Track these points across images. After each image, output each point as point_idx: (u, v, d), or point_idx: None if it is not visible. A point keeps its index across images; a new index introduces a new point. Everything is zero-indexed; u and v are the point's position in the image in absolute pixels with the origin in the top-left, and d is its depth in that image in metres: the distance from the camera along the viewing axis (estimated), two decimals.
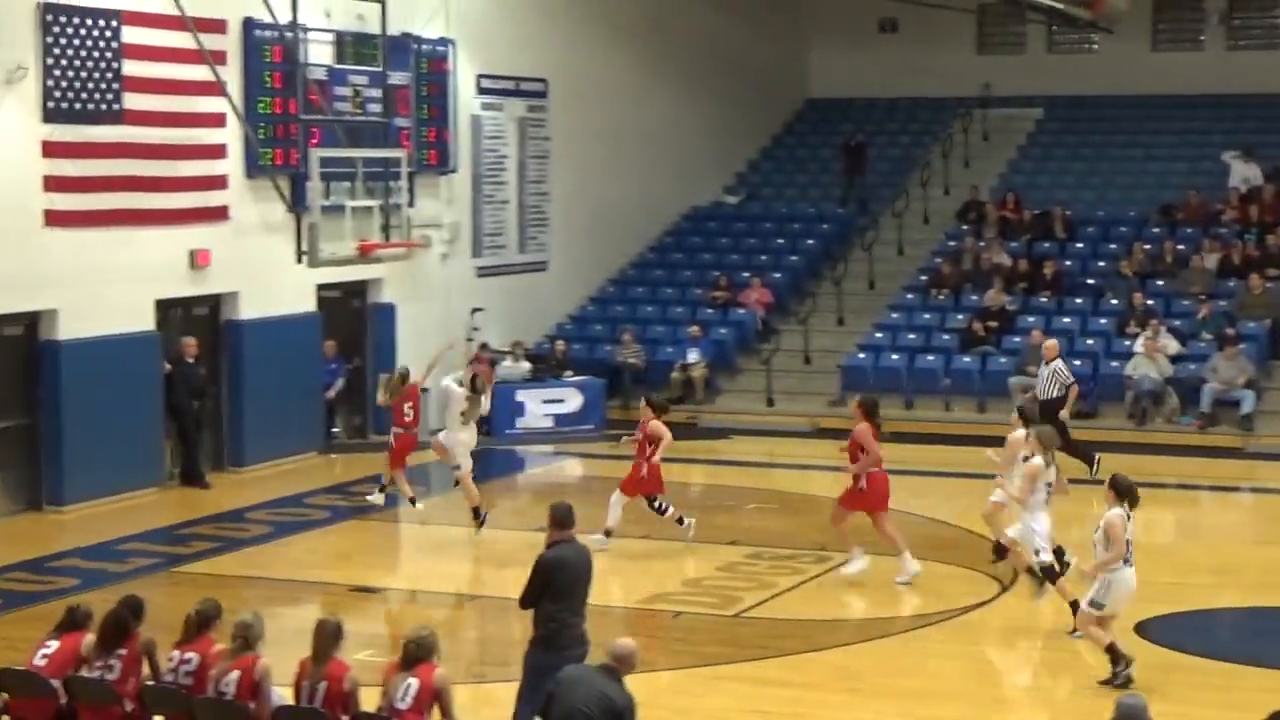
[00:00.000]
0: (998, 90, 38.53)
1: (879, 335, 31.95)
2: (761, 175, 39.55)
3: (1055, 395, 24.93)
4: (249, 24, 25.73)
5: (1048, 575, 16.81)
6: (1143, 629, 16.75)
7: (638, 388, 29.40)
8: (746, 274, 34.29)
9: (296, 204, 25.30)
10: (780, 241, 36.24)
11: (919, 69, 39.44)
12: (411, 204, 26.80)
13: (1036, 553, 16.78)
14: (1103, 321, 31.39)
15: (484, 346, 30.11)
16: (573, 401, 30.08)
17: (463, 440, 21.20)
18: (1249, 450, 27.77)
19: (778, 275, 34.75)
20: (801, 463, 26.42)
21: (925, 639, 16.80)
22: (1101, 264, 33.47)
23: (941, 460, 26.73)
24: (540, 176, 32.67)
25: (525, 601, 12.48)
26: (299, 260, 24.09)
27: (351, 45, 27.35)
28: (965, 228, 35.15)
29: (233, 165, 25.58)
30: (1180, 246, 32.95)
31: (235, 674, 11.75)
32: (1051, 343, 26.31)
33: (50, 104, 22.64)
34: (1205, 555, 21.05)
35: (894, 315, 32.77)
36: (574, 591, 12.48)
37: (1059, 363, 25.29)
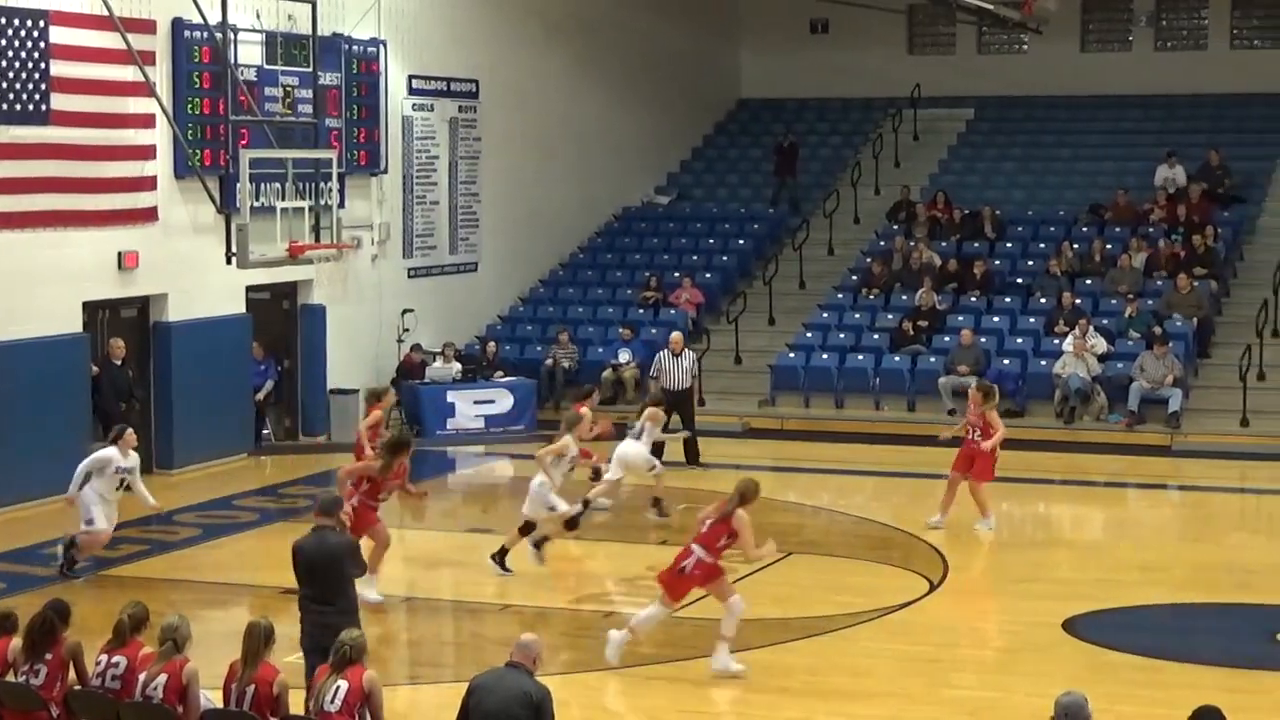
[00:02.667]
0: (928, 91, 38.69)
1: (809, 335, 32.02)
2: (693, 175, 39.61)
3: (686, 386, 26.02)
4: (178, 25, 25.58)
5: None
6: (1070, 626, 16.86)
7: (569, 388, 29.36)
8: (677, 274, 34.32)
9: (226, 205, 25.15)
10: (711, 241, 36.29)
11: (850, 70, 39.60)
12: (342, 205, 26.71)
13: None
14: (1031, 320, 31.57)
15: (415, 348, 30.06)
16: (503, 402, 30.01)
17: None
18: (1176, 448, 27.97)
19: (708, 275, 34.81)
20: (733, 463, 26.42)
21: (856, 637, 16.85)
22: (1030, 263, 33.66)
23: (872, 459, 26.85)
24: (471, 177, 32.61)
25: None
26: (228, 261, 23.92)
27: (282, 46, 27.23)
28: (895, 227, 35.31)
29: (162, 166, 25.43)
30: (1108, 246, 33.17)
31: (163, 677, 11.68)
32: (676, 335, 26.74)
33: None
34: (1133, 552, 21.17)
35: (824, 315, 32.86)
36: (308, 579, 13.53)
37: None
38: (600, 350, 32.00)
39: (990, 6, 32.54)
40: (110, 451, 19.10)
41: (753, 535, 15.56)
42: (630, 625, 15.77)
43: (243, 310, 27.21)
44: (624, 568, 19.99)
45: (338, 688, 11.33)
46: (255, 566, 19.95)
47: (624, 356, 31.32)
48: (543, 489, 19.11)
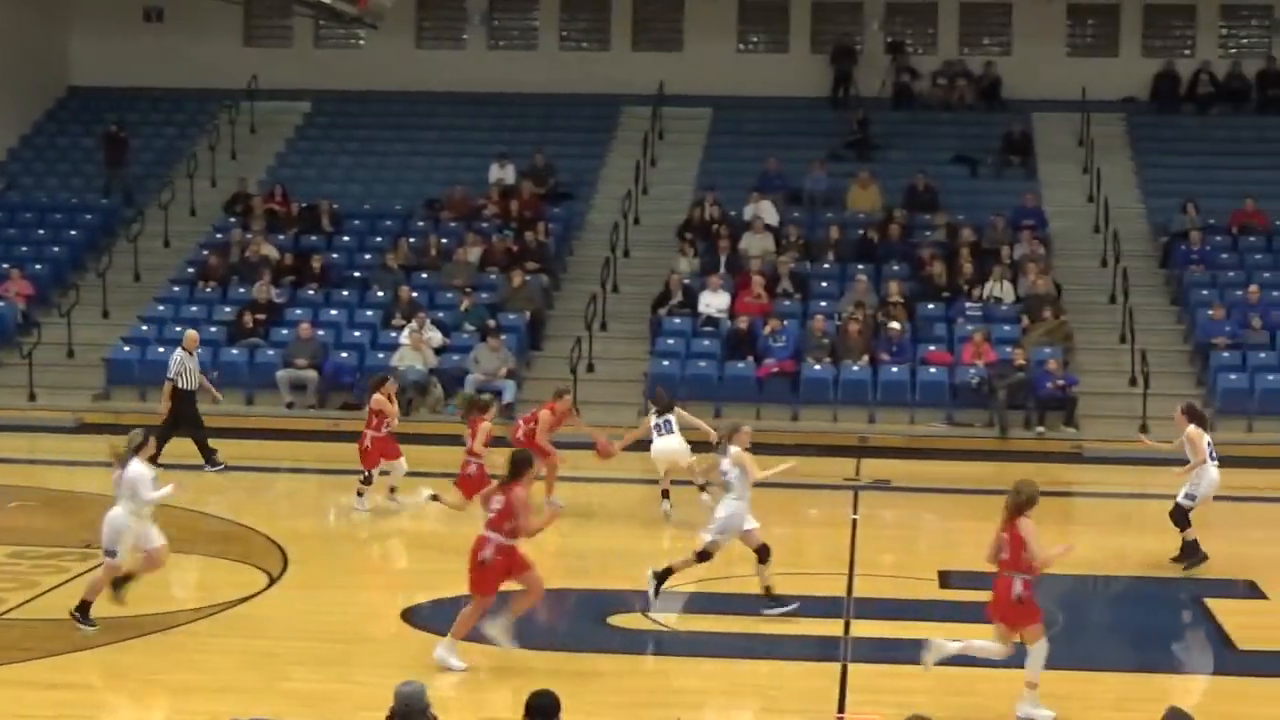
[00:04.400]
0: (265, 83, 38.49)
1: (145, 328, 31.43)
2: (21, 164, 38.26)
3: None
4: None
5: None
6: (409, 615, 17.05)
7: None
8: (6, 265, 33.12)
9: None
10: (41, 232, 35.19)
11: (185, 59, 39.02)
12: None
13: None
14: (369, 314, 31.84)
15: None
16: None
17: None
18: (511, 438, 28.61)
19: (39, 267, 33.75)
20: (66, 459, 25.68)
21: (195, 633, 16.60)
22: (368, 257, 33.94)
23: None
24: None
25: None
26: None
27: None
28: (233, 220, 35.01)
29: None
30: (444, 240, 33.76)
31: None
32: (192, 333, 26.43)
33: None
34: (470, 542, 21.48)
35: (160, 308, 32.31)
36: None
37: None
38: None
39: (326, 0, 32.60)
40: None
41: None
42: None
43: None
44: None
45: None
46: None
47: None
48: None
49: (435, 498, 21.24)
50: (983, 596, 18.55)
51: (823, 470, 25.98)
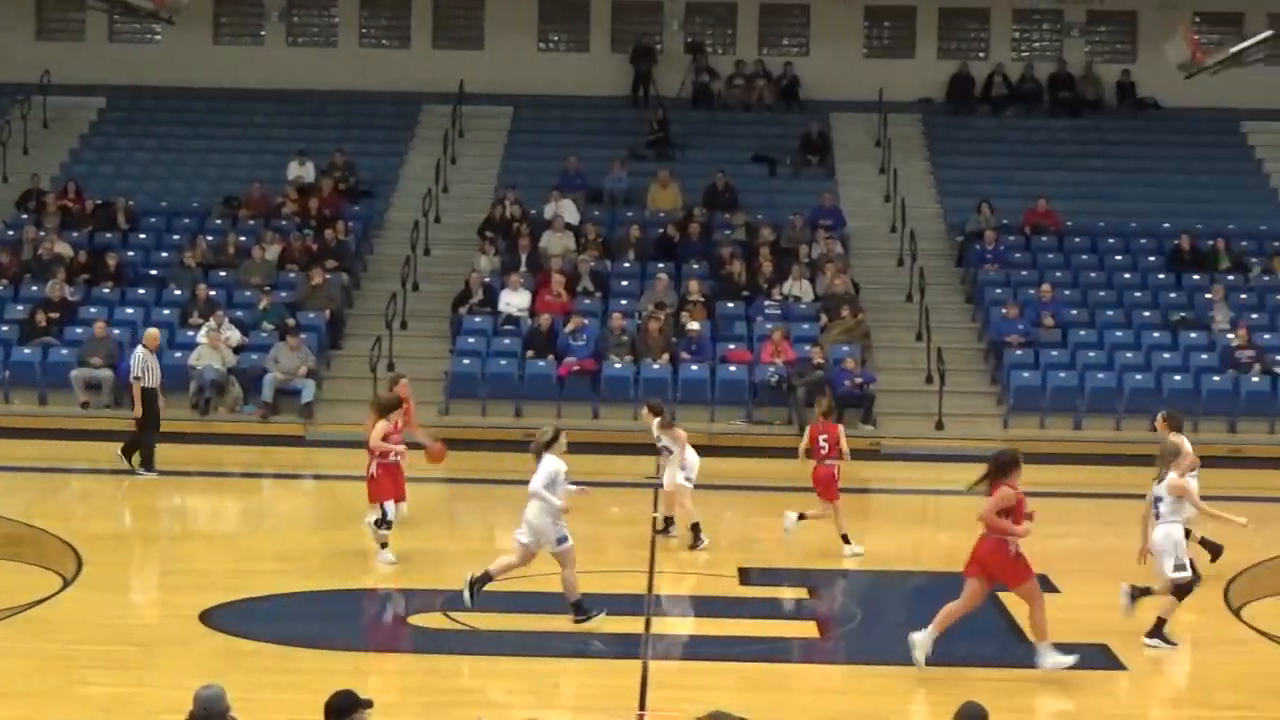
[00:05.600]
0: (58, 78, 37.78)
1: None
2: None
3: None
4: None
5: None
6: (208, 617, 16.87)
7: None
8: None
9: None
10: None
11: None
12: None
13: None
14: (166, 312, 31.43)
15: None
16: None
17: None
18: (310, 438, 28.50)
19: None
20: None
21: None
22: (165, 255, 33.52)
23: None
24: None
25: None
26: None
27: None
28: (25, 217, 34.37)
29: None
30: (242, 238, 33.42)
31: None
32: (153, 331, 26.12)
33: None
34: (268, 542, 21.41)
35: None
36: None
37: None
38: None
39: None
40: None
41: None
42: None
43: None
44: None
45: None
46: None
47: None
48: None
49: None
50: (782, 593, 18.77)
51: (624, 469, 26.10)
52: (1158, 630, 16.54)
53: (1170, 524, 16.63)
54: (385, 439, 19.17)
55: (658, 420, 20.67)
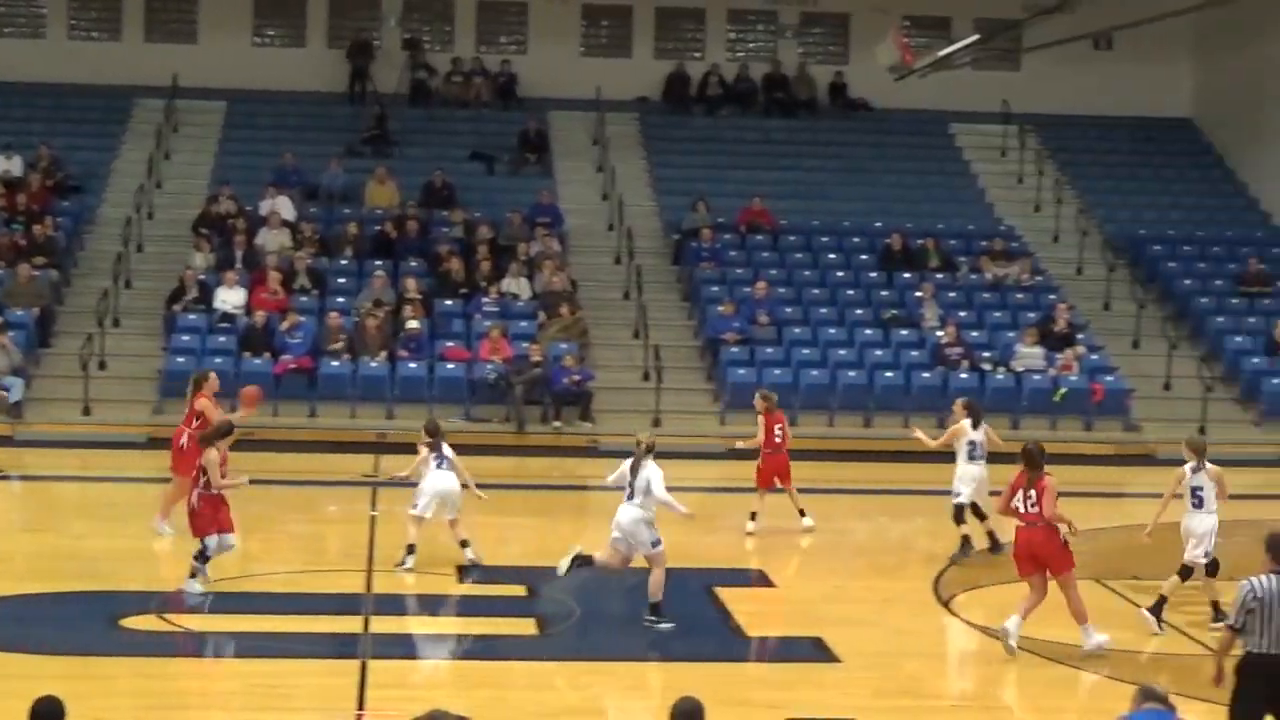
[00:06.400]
0: None
1: None
2: None
3: None
4: None
5: None
6: None
7: None
8: None
9: None
10: None
11: None
12: None
13: None
14: None
15: None
16: None
17: None
18: (19, 438, 27.81)
19: None
20: None
21: None
22: None
23: None
24: None
25: None
26: None
27: None
28: None
29: None
30: None
31: None
32: None
33: None
34: None
35: None
36: None
37: None
38: None
39: None
40: None
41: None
42: None
43: None
44: None
45: None
46: None
47: None
48: None
49: None
50: (500, 590, 18.79)
51: (341, 466, 25.92)
52: (1157, 607, 17.42)
53: (1211, 514, 17.31)
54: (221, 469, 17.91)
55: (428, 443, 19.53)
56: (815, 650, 16.52)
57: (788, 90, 39.67)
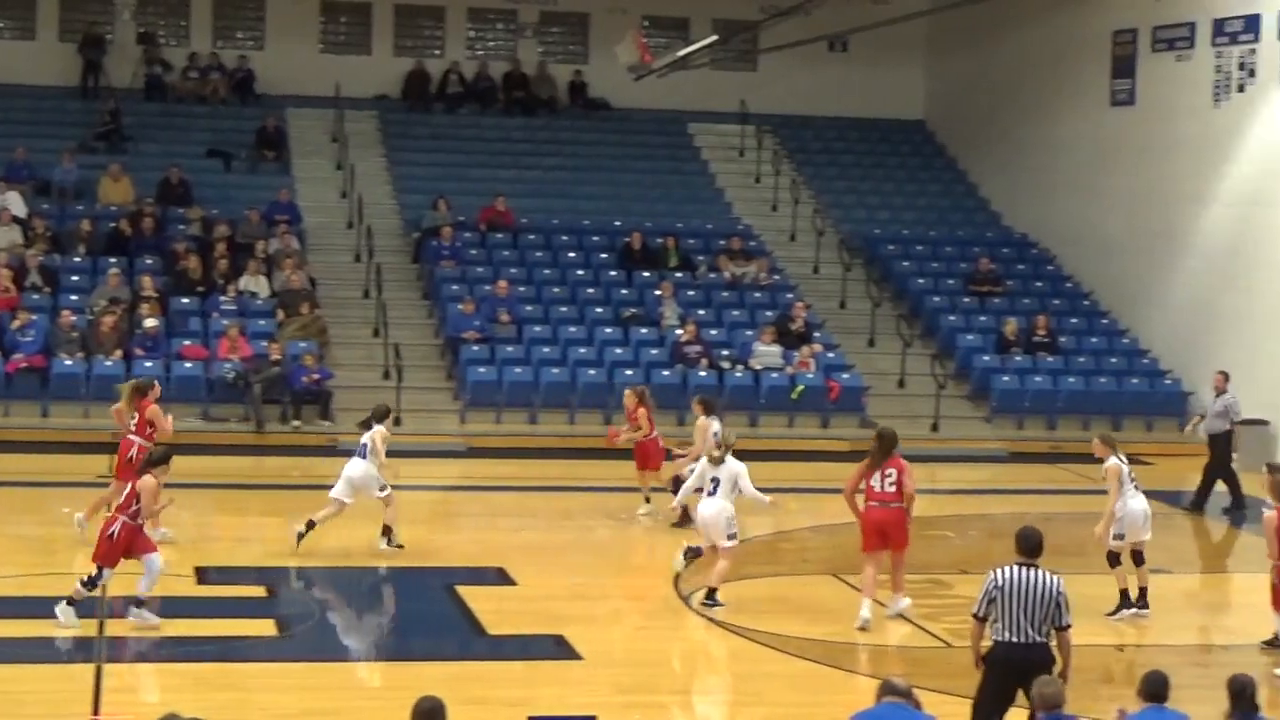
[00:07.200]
0: None
1: None
2: None
3: None
4: None
5: None
6: None
7: None
8: None
9: None
10: None
11: None
12: None
13: None
14: None
15: None
16: None
17: None
18: None
19: None
20: None
21: None
22: None
23: None
24: None
25: None
26: None
27: None
28: None
29: None
30: None
31: None
32: None
33: None
34: None
35: None
36: None
37: None
38: None
39: None
40: None
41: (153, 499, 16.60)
42: None
43: None
44: None
45: None
46: None
47: None
48: None
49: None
50: (240, 591, 18.64)
51: (74, 467, 25.44)
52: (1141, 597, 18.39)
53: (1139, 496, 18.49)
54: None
55: None
56: (556, 648, 16.63)
57: (528, 89, 39.75)
